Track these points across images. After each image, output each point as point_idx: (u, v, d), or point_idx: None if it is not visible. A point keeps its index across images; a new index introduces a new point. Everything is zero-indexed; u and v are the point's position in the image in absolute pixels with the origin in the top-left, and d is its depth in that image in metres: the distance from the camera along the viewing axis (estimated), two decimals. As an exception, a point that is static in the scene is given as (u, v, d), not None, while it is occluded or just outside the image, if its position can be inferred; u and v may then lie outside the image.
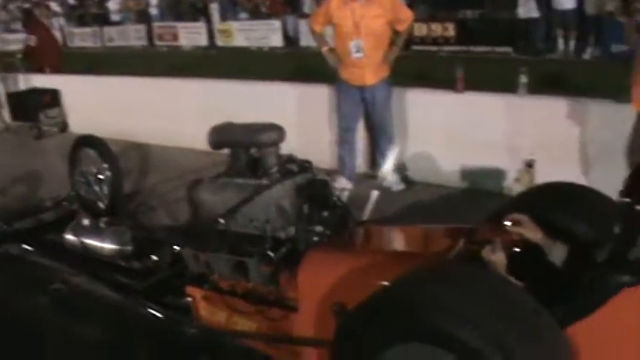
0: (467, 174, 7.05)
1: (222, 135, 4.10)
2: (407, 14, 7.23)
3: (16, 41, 29.90)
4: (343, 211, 3.92)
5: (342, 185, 6.65)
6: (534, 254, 3.17)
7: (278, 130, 4.00)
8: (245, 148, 3.99)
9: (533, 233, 3.18)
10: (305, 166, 3.98)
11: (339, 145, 7.45)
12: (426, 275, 2.79)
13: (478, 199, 6.62)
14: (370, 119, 7.45)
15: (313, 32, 7.49)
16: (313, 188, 3.83)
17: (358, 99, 7.25)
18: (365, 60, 7.05)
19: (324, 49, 7.33)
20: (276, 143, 3.94)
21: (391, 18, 7.03)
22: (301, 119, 8.00)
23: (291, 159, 4.02)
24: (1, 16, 35.80)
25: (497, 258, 2.98)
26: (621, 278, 2.62)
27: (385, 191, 6.81)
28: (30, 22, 14.77)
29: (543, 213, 3.34)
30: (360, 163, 7.77)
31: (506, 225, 3.19)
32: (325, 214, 3.77)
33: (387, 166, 6.60)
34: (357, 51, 7.02)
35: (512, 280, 2.92)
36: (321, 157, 7.27)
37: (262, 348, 3.87)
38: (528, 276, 2.99)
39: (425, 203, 6.65)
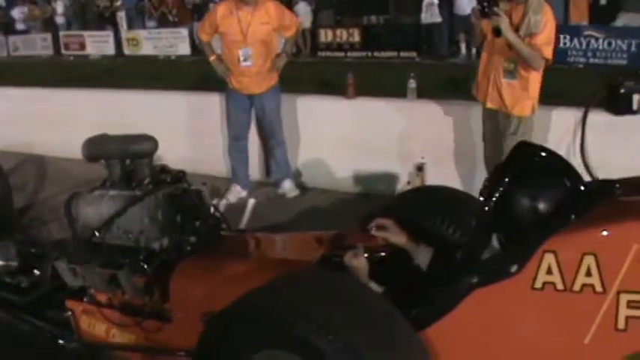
0: (360, 179, 7.15)
1: (96, 147, 4.07)
2: (293, 20, 7.31)
3: None
4: (217, 220, 3.94)
5: (237, 194, 6.71)
6: (399, 258, 3.24)
7: (151, 141, 3.97)
8: (119, 160, 3.97)
9: (397, 237, 3.25)
10: (179, 176, 3.98)
11: (231, 154, 7.39)
12: (284, 282, 2.83)
13: (371, 203, 6.70)
14: (261, 127, 7.50)
15: (201, 41, 7.54)
16: (186, 198, 3.84)
17: (247, 107, 7.26)
18: (253, 68, 7.04)
19: (212, 58, 7.29)
20: (149, 154, 3.92)
21: (277, 25, 7.07)
22: (197, 128, 7.99)
23: (164, 169, 4.01)
24: None
25: (359, 264, 3.04)
26: (472, 279, 2.69)
27: (280, 198, 6.89)
28: None
29: (409, 216, 3.43)
30: (255, 170, 7.75)
31: (371, 230, 3.26)
32: (198, 224, 3.79)
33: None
34: (245, 59, 7.01)
35: (372, 285, 2.99)
36: (217, 166, 7.29)
37: (140, 360, 3.87)
38: (392, 280, 3.07)
39: (318, 209, 6.70)
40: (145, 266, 3.63)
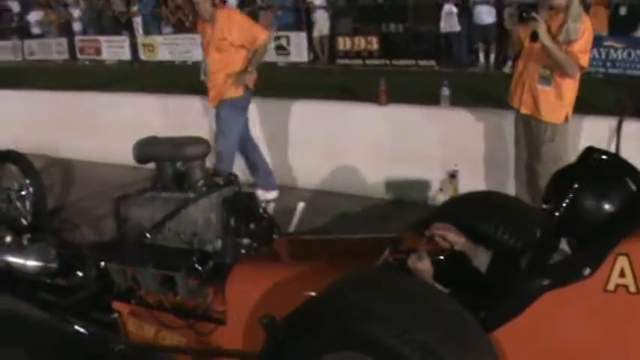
0: (391, 185, 7.15)
1: (148, 149, 4.08)
2: (258, 33, 7.10)
3: None
4: (270, 223, 3.94)
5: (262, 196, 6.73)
6: (459, 261, 3.24)
7: (204, 144, 3.99)
8: (171, 162, 3.98)
9: (456, 241, 3.25)
10: (231, 179, 3.99)
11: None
12: (353, 284, 2.83)
13: (403, 209, 6.72)
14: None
15: None
16: (239, 201, 3.84)
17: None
18: (209, 83, 7.13)
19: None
20: (201, 157, 3.93)
21: (239, 38, 6.96)
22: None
23: (217, 172, 4.03)
24: None
25: (423, 266, 3.04)
26: (542, 282, 2.70)
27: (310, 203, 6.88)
28: None
29: (466, 221, 3.42)
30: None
31: (430, 233, 3.27)
32: (252, 226, 3.79)
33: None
34: (204, 74, 7.16)
35: (439, 286, 2.99)
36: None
37: (191, 362, 3.86)
38: (453, 283, 3.07)
39: (351, 214, 6.71)
40: (200, 268, 3.64)
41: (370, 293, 2.72)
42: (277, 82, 14.32)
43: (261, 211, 3.94)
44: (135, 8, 24.55)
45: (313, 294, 2.99)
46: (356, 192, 7.24)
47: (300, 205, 4.09)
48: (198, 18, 7.39)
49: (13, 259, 5.17)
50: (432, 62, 17.86)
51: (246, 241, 3.76)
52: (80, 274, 4.77)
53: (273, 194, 7.24)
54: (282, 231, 4.03)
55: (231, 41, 6.91)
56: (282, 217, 4.12)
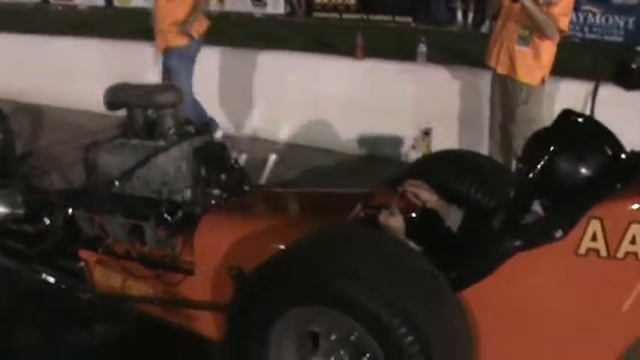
0: (365, 141, 7.11)
1: (119, 95, 3.99)
2: None
3: None
4: (240, 174, 3.90)
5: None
6: (430, 219, 3.23)
7: (176, 92, 3.93)
8: (142, 109, 3.90)
9: (429, 198, 3.23)
10: (202, 128, 3.93)
11: None
12: (324, 239, 2.81)
13: (375, 165, 6.70)
14: None
15: None
16: (210, 151, 3.78)
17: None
18: (156, 27, 7.08)
19: None
20: (173, 105, 3.86)
21: None
22: (206, 83, 7.87)
23: (188, 121, 3.96)
24: None
25: (395, 222, 3.02)
26: (513, 243, 2.70)
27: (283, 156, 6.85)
28: None
29: (439, 179, 3.41)
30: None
31: (402, 190, 3.24)
32: (222, 177, 3.74)
33: None
34: (152, 20, 7.14)
35: (410, 244, 2.98)
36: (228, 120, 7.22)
37: (158, 312, 3.83)
38: (425, 241, 3.06)
39: (323, 169, 6.68)
40: (169, 218, 3.59)
41: (341, 248, 2.70)
42: (253, 34, 14.20)
43: (232, 161, 3.89)
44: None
45: (283, 247, 2.96)
46: (329, 146, 7.21)
47: (272, 157, 4.05)
48: None
49: (-22, 205, 5.09)
50: (410, 19, 17.71)
51: (216, 191, 3.71)
52: (47, 221, 4.71)
53: None
54: (253, 182, 3.99)
55: None
56: (254, 169, 4.07)
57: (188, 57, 7.01)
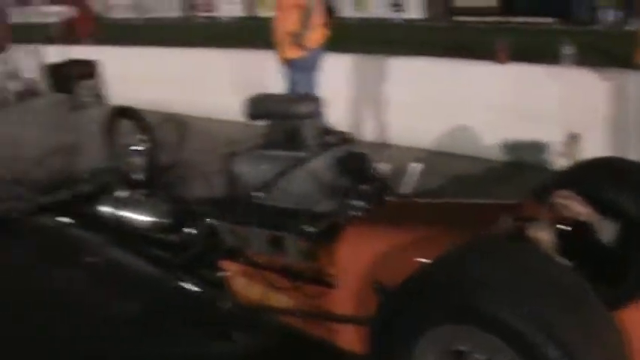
0: (509, 147, 6.89)
1: (260, 106, 4.00)
2: None
3: (53, 13, 30.24)
4: (382, 184, 3.81)
5: None
6: (583, 232, 3.04)
7: (316, 102, 3.89)
8: (283, 120, 3.88)
9: (581, 211, 3.04)
10: (344, 138, 3.87)
11: None
12: (470, 253, 2.68)
13: (520, 172, 6.48)
14: None
15: None
16: (351, 161, 3.72)
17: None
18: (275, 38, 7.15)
19: None
20: (314, 115, 3.83)
21: None
22: (351, 92, 7.84)
23: (329, 131, 3.91)
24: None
25: (545, 236, 2.85)
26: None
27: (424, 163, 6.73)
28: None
29: (591, 189, 3.20)
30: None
31: (552, 201, 3.06)
32: (364, 187, 3.66)
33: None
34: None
35: (560, 259, 2.80)
36: (369, 128, 7.15)
37: (298, 324, 3.79)
38: (577, 255, 2.87)
39: (466, 176, 6.50)
40: (310, 230, 3.54)
41: (487, 263, 2.57)
42: (391, 39, 14.14)
43: (373, 171, 3.81)
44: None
45: (427, 261, 2.84)
46: (472, 153, 7.02)
47: (414, 166, 3.93)
48: None
49: (127, 214, 5.25)
50: (553, 19, 17.24)
51: (357, 202, 3.63)
52: (190, 231, 4.77)
53: None
54: (395, 192, 3.89)
55: (285, 1, 6.89)
56: (395, 178, 3.96)
57: (306, 68, 7.03)
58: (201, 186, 6.56)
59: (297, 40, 6.85)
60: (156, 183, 6.28)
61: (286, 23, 6.88)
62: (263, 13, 22.88)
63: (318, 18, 6.93)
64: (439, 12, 18.84)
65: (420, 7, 18.79)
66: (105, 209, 5.40)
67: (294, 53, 6.93)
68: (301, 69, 6.97)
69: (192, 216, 4.93)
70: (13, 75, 13.31)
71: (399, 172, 4.04)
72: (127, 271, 4.97)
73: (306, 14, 6.87)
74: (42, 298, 4.92)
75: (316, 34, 6.93)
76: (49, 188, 6.47)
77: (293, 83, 6.96)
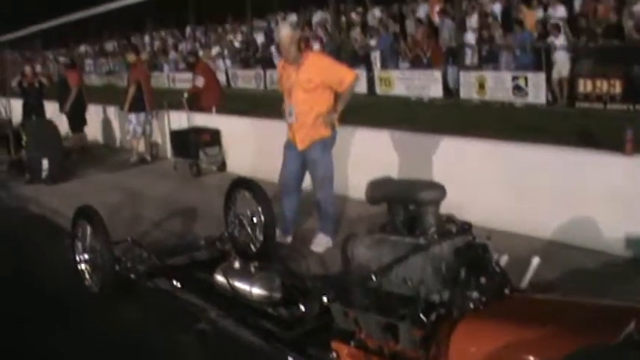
0: (632, 242, 6.62)
1: (381, 190, 4.01)
2: (344, 74, 7.08)
3: (182, 80, 31.45)
4: (501, 277, 3.72)
5: (278, 239, 7.04)
6: None
7: (439, 189, 3.86)
8: (404, 205, 3.87)
9: None
10: (464, 227, 3.81)
11: (282, 199, 7.54)
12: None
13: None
14: (312, 179, 7.40)
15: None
16: (472, 251, 3.66)
17: (296, 157, 7.30)
18: (295, 124, 7.14)
19: (283, 107, 7.44)
20: (436, 202, 3.80)
21: (326, 81, 6.96)
22: (461, 175, 7.77)
23: (450, 219, 3.87)
24: (172, 56, 37.52)
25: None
26: None
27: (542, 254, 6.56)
28: (197, 63, 15.34)
29: None
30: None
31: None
32: (483, 279, 3.58)
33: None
34: (290, 114, 7.16)
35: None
36: (485, 215, 7.04)
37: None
38: None
39: (585, 270, 6.27)
40: (425, 319, 3.49)
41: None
42: (514, 124, 14.03)
43: (493, 263, 3.73)
44: (373, 42, 24.96)
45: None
46: (592, 246, 6.77)
47: (535, 260, 3.83)
48: (284, 59, 7.36)
49: (239, 285, 5.31)
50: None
51: (475, 294, 3.55)
52: (302, 307, 4.78)
53: (285, 237, 7.40)
54: (514, 286, 3.79)
55: (318, 83, 6.93)
56: (514, 269, 3.87)
57: (330, 146, 7.20)
58: (315, 262, 6.61)
59: (330, 119, 7.02)
60: (270, 255, 6.37)
61: (319, 103, 7.02)
62: (382, 91, 23.20)
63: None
64: (562, 97, 18.55)
65: (543, 92, 18.56)
66: (219, 278, 5.48)
67: (324, 132, 7.10)
68: (327, 148, 7.20)
69: (305, 293, 4.95)
70: (146, 136, 13.87)
71: (518, 263, 3.95)
72: (236, 341, 5.00)
73: (348, 94, 7.08)
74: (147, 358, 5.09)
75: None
76: (168, 252, 6.64)
77: (316, 163, 7.18)
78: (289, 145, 7.34)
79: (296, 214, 7.56)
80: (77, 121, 15.47)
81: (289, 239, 7.44)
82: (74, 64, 19.40)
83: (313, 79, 6.95)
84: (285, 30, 7.09)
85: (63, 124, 14.97)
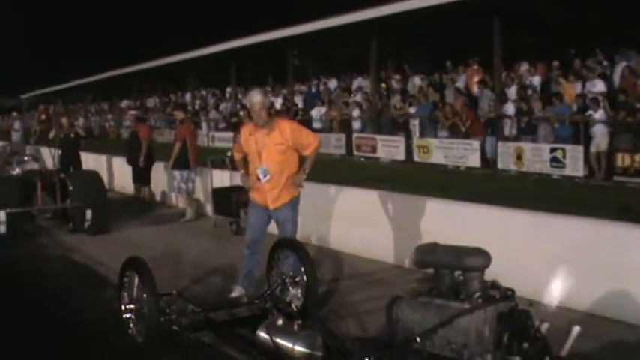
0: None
1: (429, 255, 4.15)
2: (310, 139, 7.75)
3: (222, 139, 31.87)
4: (542, 344, 3.83)
5: (236, 293, 7.46)
6: None
7: (484, 255, 3.99)
8: (450, 270, 4.01)
9: None
10: (507, 293, 3.93)
11: (246, 255, 7.87)
12: None
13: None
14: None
15: (236, 160, 8.27)
16: (514, 317, 3.77)
17: (264, 217, 7.80)
18: (267, 185, 7.59)
19: (240, 173, 8.18)
20: (481, 268, 3.93)
21: (295, 144, 7.59)
22: (503, 244, 7.85)
23: (494, 285, 3.99)
24: (212, 115, 38.03)
25: None
26: None
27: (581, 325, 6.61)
28: (238, 124, 15.60)
29: None
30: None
31: None
32: (525, 345, 3.69)
33: None
34: (265, 175, 7.56)
35: None
36: (524, 283, 7.13)
37: None
38: None
39: (624, 343, 6.30)
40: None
41: None
42: (552, 195, 14.07)
43: (534, 330, 3.84)
44: (413, 110, 25.17)
45: None
46: (632, 320, 6.82)
47: (575, 329, 3.93)
48: (254, 124, 7.78)
49: (281, 342, 5.41)
50: None
51: (517, 359, 3.67)
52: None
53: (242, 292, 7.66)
54: (554, 354, 3.89)
55: (289, 146, 7.51)
56: (554, 338, 3.97)
57: (297, 204, 7.77)
58: (354, 323, 6.70)
59: (299, 180, 7.63)
60: (312, 315, 6.47)
61: (291, 165, 7.64)
62: (420, 158, 23.30)
63: None
64: (599, 171, 18.55)
65: (580, 165, 18.57)
66: (262, 334, 5.59)
67: (295, 192, 7.71)
68: (296, 206, 7.77)
69: (345, 353, 5.04)
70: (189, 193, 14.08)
71: (557, 333, 4.05)
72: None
73: (313, 157, 7.69)
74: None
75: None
76: (211, 307, 6.78)
77: (287, 222, 7.68)
78: (254, 204, 7.83)
79: (256, 272, 7.87)
80: (144, 174, 16.02)
81: (242, 293, 7.71)
82: (145, 118, 19.74)
83: (284, 142, 7.50)
84: (257, 96, 7.58)
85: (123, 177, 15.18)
